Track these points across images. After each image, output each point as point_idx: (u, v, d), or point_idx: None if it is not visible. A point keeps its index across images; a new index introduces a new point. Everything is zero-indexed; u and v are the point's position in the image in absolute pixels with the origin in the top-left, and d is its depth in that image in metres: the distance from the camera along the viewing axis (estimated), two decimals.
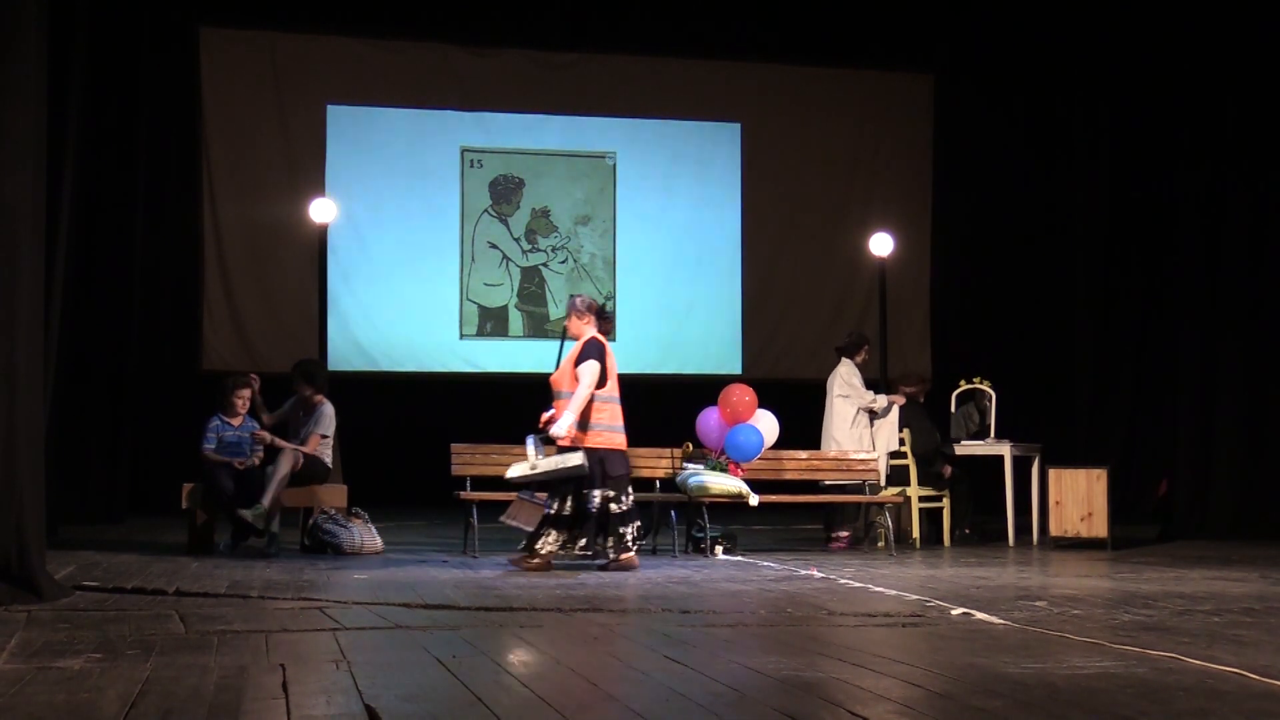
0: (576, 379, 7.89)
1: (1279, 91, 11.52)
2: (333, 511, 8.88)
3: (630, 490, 8.07)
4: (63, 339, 8.92)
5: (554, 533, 7.86)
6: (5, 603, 5.50)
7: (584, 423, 7.85)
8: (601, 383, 7.91)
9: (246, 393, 9.08)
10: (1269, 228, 11.66)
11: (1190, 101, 12.48)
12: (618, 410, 8.07)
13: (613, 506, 7.87)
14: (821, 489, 10.13)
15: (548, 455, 7.92)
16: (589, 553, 7.88)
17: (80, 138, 9.29)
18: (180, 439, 12.15)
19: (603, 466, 7.87)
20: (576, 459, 7.72)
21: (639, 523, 8.08)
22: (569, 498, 7.87)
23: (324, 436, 9.16)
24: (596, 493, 7.84)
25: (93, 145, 10.91)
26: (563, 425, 7.77)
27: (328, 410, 9.23)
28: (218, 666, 4.19)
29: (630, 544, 7.88)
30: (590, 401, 7.86)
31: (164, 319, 13.83)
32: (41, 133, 6.23)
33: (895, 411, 10.33)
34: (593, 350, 7.92)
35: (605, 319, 8.20)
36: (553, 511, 7.88)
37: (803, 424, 11.05)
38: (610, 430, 7.98)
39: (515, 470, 7.95)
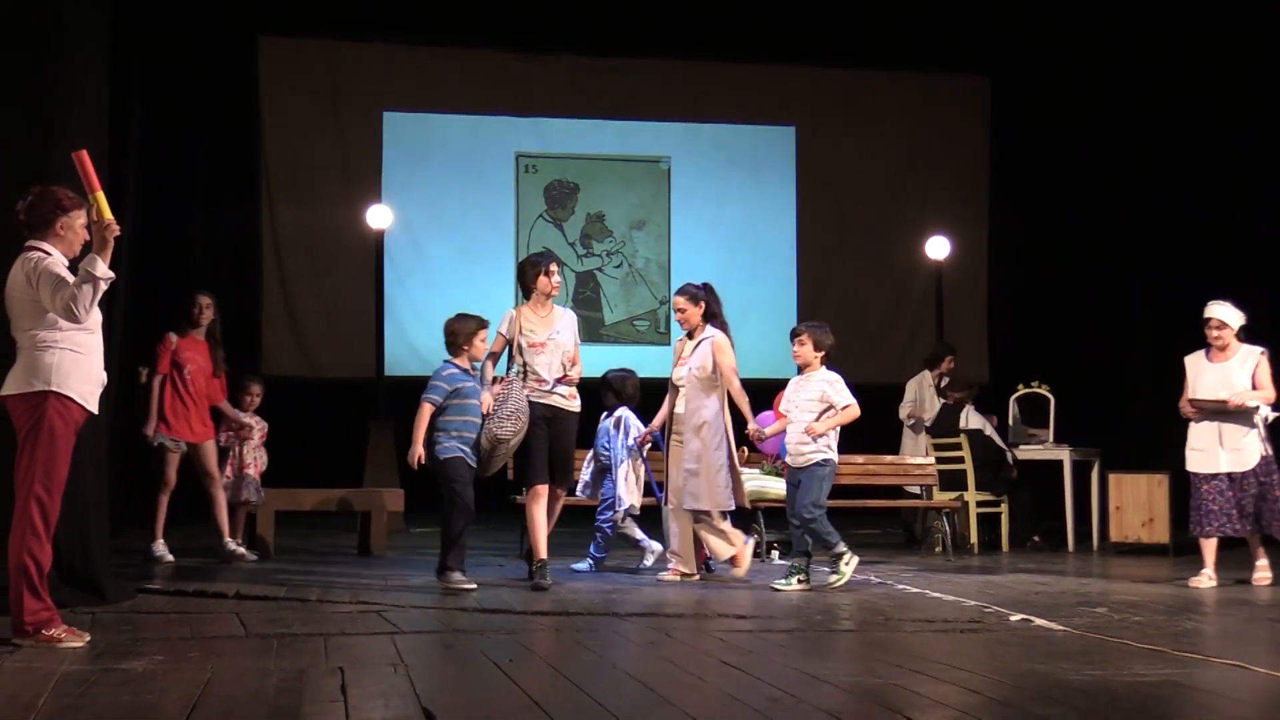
0: None
1: None
2: None
3: None
4: (124, 347, 9.03)
5: None
6: (70, 605, 5.58)
7: None
8: None
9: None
10: None
11: (1255, 111, 12.32)
12: None
13: None
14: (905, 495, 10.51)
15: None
16: None
17: (141, 146, 9.41)
18: None
19: None
20: None
21: None
22: None
23: None
24: None
25: (153, 153, 11.04)
26: None
27: None
28: (278, 669, 4.23)
29: None
30: None
31: (224, 325, 13.91)
32: (103, 140, 6.32)
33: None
34: None
35: None
36: None
37: (858, 428, 10.98)
38: None
39: None
